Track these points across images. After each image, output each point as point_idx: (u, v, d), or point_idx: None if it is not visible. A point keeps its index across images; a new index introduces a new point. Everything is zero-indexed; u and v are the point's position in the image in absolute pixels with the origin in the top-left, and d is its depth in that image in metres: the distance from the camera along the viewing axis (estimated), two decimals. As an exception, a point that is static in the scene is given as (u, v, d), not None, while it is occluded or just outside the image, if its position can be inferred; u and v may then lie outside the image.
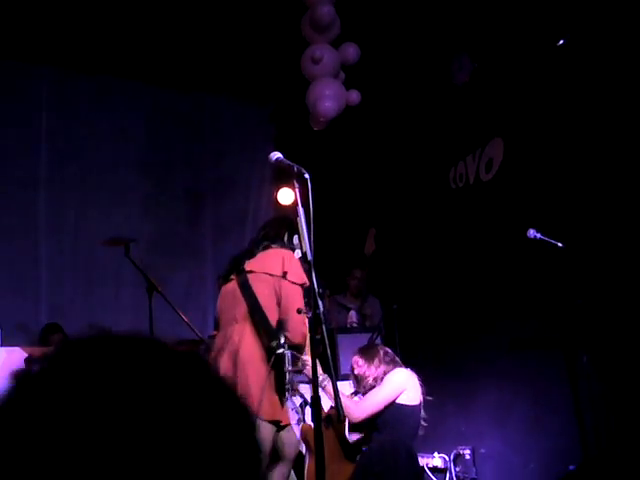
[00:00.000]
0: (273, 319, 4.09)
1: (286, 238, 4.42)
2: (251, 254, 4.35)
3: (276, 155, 3.71)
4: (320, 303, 3.36)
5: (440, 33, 6.62)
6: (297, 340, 4.03)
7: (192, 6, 6.78)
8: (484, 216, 6.34)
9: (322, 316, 3.30)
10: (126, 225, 7.33)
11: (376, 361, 4.82)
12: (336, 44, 7.13)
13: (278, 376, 3.91)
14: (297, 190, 3.45)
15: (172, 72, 7.50)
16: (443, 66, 6.70)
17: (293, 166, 3.58)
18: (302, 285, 4.09)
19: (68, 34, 6.72)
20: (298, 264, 4.20)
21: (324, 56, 6.90)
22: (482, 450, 6.19)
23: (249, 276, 4.21)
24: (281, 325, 4.03)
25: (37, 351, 5.68)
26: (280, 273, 4.10)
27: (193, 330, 5.37)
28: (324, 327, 3.30)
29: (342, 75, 7.24)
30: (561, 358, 5.38)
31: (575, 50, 5.51)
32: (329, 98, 6.88)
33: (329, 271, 7.12)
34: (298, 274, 4.13)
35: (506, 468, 5.98)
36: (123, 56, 7.09)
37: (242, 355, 4.00)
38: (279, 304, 4.10)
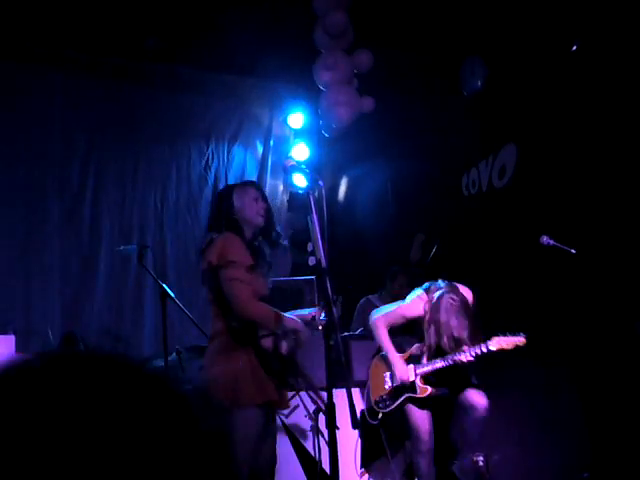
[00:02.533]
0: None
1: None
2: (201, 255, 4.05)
3: (290, 162, 3.73)
4: (334, 310, 3.37)
5: (453, 39, 6.63)
6: (243, 314, 3.82)
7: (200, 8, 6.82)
8: (497, 223, 6.34)
9: (336, 323, 3.32)
10: (141, 232, 7.38)
11: None
12: (349, 51, 7.17)
13: (262, 359, 3.82)
14: (312, 198, 3.46)
15: (187, 77, 7.58)
16: (456, 72, 6.71)
17: (308, 173, 3.60)
18: (231, 262, 3.82)
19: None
20: (225, 244, 3.89)
21: (337, 63, 6.93)
22: (495, 457, 6.16)
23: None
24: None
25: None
26: (205, 266, 3.90)
27: (207, 337, 5.38)
28: (338, 334, 3.31)
29: (355, 82, 7.27)
30: (573, 364, 5.37)
31: (589, 55, 5.51)
32: (342, 105, 6.90)
33: (369, 271, 7.10)
34: (219, 256, 3.84)
35: (520, 475, 5.96)
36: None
37: (207, 352, 4.00)
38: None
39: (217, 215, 4.12)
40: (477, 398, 4.88)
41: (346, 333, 6.07)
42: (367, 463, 5.57)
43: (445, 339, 4.78)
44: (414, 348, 4.97)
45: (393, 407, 4.95)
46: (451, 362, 4.76)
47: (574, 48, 5.65)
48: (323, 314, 3.48)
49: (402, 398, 4.92)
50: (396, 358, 4.99)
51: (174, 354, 5.63)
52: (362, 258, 7.57)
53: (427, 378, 4.90)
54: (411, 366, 4.95)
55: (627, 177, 5.26)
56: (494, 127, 6.48)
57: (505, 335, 4.66)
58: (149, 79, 7.51)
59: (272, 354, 3.89)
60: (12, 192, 6.82)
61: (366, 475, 5.54)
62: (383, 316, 5.10)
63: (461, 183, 6.87)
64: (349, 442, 5.15)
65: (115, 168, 7.40)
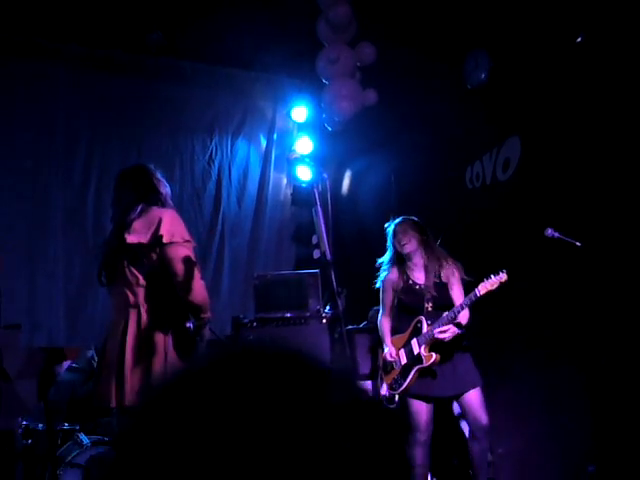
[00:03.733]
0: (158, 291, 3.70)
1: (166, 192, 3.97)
2: (126, 226, 3.75)
3: (295, 154, 3.73)
4: (339, 302, 3.38)
5: (457, 31, 6.61)
6: (191, 295, 3.64)
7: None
8: (501, 216, 6.32)
9: (341, 316, 3.32)
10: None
11: None
12: (352, 44, 7.16)
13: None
14: (316, 190, 3.46)
15: (190, 71, 7.58)
16: (460, 64, 6.69)
17: (312, 166, 3.60)
18: (184, 242, 3.65)
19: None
20: (174, 220, 3.73)
21: (340, 56, 6.92)
22: (499, 450, 6.17)
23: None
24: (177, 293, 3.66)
25: (57, 351, 5.73)
26: (150, 239, 3.64)
27: (211, 330, 5.39)
28: (343, 327, 3.31)
29: (358, 75, 7.26)
30: (579, 359, 5.36)
31: (594, 47, 5.48)
32: (346, 98, 6.89)
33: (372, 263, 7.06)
34: (172, 232, 3.67)
35: (523, 468, 5.96)
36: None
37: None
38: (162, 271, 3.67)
39: (148, 186, 3.89)
40: (479, 417, 5.01)
41: (350, 326, 6.07)
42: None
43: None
44: (414, 322, 5.05)
45: (406, 385, 5.03)
46: (447, 320, 4.86)
47: (579, 40, 5.62)
48: (328, 307, 3.49)
49: (412, 372, 5.01)
50: (386, 342, 5.20)
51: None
52: (365, 251, 7.55)
53: (432, 346, 4.97)
54: (414, 340, 5.03)
55: (632, 169, 5.24)
56: (498, 120, 6.46)
57: (488, 278, 4.86)
58: (152, 73, 7.50)
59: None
60: (16, 187, 6.83)
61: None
62: (381, 312, 5.30)
63: (465, 176, 6.85)
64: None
65: (118, 162, 7.39)
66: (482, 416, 5.02)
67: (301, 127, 8.05)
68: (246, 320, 5.99)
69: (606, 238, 5.23)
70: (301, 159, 3.69)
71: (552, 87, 5.88)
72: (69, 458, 5.04)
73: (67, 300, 6.90)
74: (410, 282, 5.13)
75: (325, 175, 3.54)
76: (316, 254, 6.77)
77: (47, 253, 6.92)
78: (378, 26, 7.06)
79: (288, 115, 8.06)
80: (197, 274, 3.68)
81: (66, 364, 5.71)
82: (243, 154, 8.06)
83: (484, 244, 6.47)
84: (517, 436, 6.02)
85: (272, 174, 8.06)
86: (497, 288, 4.82)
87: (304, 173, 7.37)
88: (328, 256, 3.38)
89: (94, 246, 7.09)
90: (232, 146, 8.02)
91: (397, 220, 5.25)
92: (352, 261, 6.98)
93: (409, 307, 5.12)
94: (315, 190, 3.52)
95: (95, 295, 7.02)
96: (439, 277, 5.12)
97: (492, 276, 4.88)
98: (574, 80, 5.66)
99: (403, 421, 5.18)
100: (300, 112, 7.90)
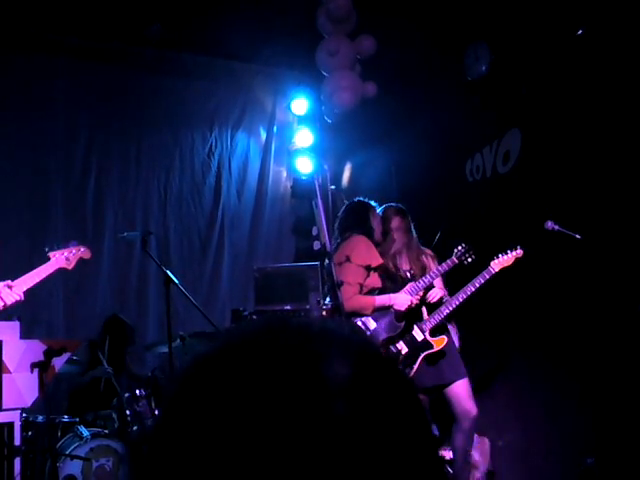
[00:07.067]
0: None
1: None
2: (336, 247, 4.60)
3: (295, 145, 3.73)
4: (339, 294, 3.37)
5: (458, 24, 6.60)
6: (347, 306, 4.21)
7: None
8: (501, 209, 6.31)
9: (342, 307, 3.32)
10: (145, 218, 7.37)
11: None
12: (352, 37, 7.14)
13: None
14: (317, 182, 3.46)
15: (190, 64, 7.57)
16: (460, 57, 6.68)
17: (312, 158, 3.60)
18: (366, 266, 4.42)
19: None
20: (363, 246, 4.53)
21: (340, 49, 6.91)
22: (499, 442, 6.18)
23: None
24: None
25: (56, 344, 5.73)
26: (344, 259, 4.44)
27: (210, 322, 5.39)
28: (343, 318, 3.31)
29: (358, 67, 7.25)
30: (577, 350, 5.37)
31: (594, 40, 5.48)
32: (345, 90, 6.88)
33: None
34: (361, 255, 4.47)
35: (523, 460, 5.97)
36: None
37: None
38: None
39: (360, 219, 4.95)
40: (467, 406, 5.00)
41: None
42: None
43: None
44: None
45: (413, 372, 4.97)
46: (457, 302, 4.87)
47: (580, 32, 5.61)
48: (328, 298, 3.50)
49: (420, 358, 4.96)
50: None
51: (178, 340, 5.66)
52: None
53: (434, 331, 4.98)
54: (414, 327, 5.00)
55: (632, 162, 5.24)
56: (498, 112, 6.46)
57: (503, 254, 4.95)
58: (152, 66, 7.48)
59: None
60: (16, 180, 6.81)
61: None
62: None
63: (465, 169, 6.84)
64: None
65: (118, 155, 7.38)
66: (472, 407, 5.02)
67: (301, 120, 8.02)
68: (246, 312, 5.99)
69: (606, 231, 5.23)
70: (301, 151, 3.71)
71: (553, 79, 5.87)
72: (69, 450, 5.07)
73: (66, 293, 6.89)
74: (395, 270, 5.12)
75: (325, 167, 3.54)
76: (316, 245, 6.76)
77: (46, 245, 6.90)
78: (378, 18, 7.04)
79: (288, 108, 8.04)
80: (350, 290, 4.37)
81: (66, 356, 5.71)
82: (243, 147, 8.04)
83: (484, 237, 6.46)
84: (517, 428, 6.03)
85: (272, 167, 8.03)
86: (512, 264, 4.92)
87: (304, 165, 7.37)
88: (328, 247, 3.38)
89: (93, 240, 7.10)
90: (232, 139, 8.00)
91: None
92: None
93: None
94: (315, 182, 3.52)
95: (94, 288, 7.02)
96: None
97: (508, 252, 4.88)
98: (575, 72, 5.65)
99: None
100: (300, 105, 7.88)
